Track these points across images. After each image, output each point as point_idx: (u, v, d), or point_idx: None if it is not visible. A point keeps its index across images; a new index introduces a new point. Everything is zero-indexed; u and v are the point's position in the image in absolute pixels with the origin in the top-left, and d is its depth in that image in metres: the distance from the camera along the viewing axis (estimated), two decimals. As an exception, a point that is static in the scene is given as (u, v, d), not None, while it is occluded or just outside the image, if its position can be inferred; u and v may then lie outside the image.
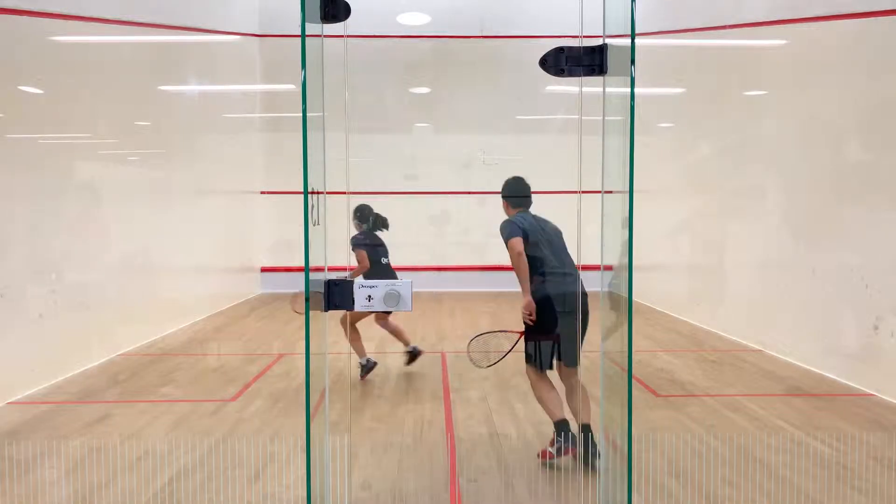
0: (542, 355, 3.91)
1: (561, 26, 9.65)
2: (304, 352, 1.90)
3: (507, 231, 4.07)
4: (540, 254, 4.05)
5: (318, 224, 1.96)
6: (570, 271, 4.04)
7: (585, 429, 3.68)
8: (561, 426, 3.74)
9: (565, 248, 4.17)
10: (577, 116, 2.54)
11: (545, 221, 4.26)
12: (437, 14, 11.20)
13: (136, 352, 6.71)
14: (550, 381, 3.95)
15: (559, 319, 3.95)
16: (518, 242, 4.00)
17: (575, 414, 3.86)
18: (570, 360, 3.90)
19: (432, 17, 11.23)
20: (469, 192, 11.43)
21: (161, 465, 3.73)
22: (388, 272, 5.93)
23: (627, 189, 1.93)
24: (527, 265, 4.01)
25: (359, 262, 5.72)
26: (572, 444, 3.74)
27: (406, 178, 11.18)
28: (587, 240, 2.65)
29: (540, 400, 3.94)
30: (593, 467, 3.53)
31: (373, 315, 5.89)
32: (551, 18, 10.50)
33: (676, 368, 6.03)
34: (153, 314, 7.47)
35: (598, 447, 3.47)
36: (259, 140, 11.41)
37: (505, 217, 4.21)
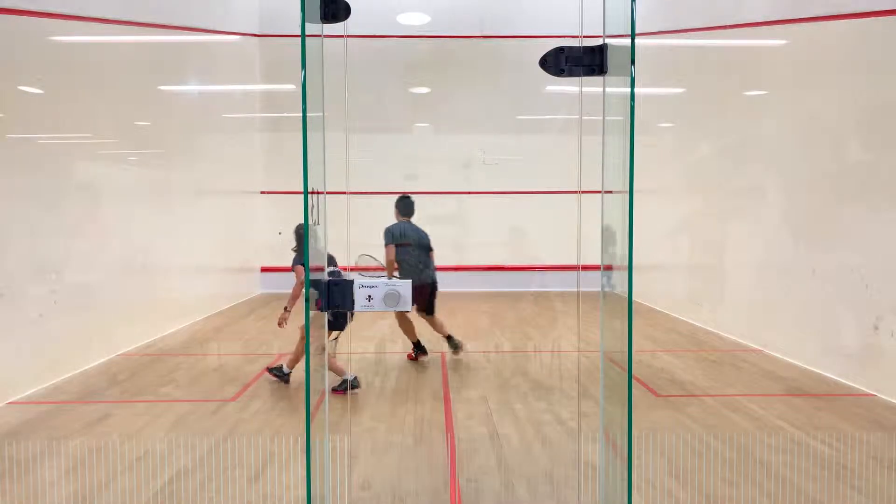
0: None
1: (561, 26, 9.71)
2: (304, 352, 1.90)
3: (385, 238, 6.25)
4: (406, 250, 6.25)
5: (318, 224, 1.96)
6: (425, 264, 6.33)
7: (449, 338, 6.41)
8: (416, 344, 6.35)
9: (426, 249, 6.37)
10: (577, 116, 2.54)
11: (418, 229, 6.37)
12: (437, 14, 11.20)
13: (136, 352, 6.71)
14: (409, 320, 6.33)
15: (419, 290, 6.21)
16: (389, 251, 6.20)
17: (440, 332, 6.42)
18: (427, 312, 6.41)
19: (432, 17, 11.23)
20: (469, 192, 11.45)
21: (161, 465, 3.73)
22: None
23: (627, 189, 1.93)
24: (392, 266, 6.16)
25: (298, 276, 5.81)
26: (423, 352, 6.35)
27: (406, 178, 11.19)
28: (587, 240, 2.65)
29: (402, 330, 6.35)
30: (456, 349, 6.42)
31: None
32: (551, 18, 10.52)
33: (676, 368, 6.04)
34: (153, 314, 7.47)
35: (457, 345, 6.43)
36: (259, 140, 11.42)
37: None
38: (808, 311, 6.08)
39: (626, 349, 1.94)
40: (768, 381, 5.59)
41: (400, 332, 6.41)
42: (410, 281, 2.03)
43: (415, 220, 6.68)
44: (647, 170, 8.72)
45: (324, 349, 2.25)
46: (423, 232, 6.41)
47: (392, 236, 6.23)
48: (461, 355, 6.51)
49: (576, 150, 2.55)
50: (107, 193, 6.46)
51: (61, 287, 5.65)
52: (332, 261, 6.19)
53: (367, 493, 3.39)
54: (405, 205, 6.39)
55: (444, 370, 5.99)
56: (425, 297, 6.34)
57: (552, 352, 6.93)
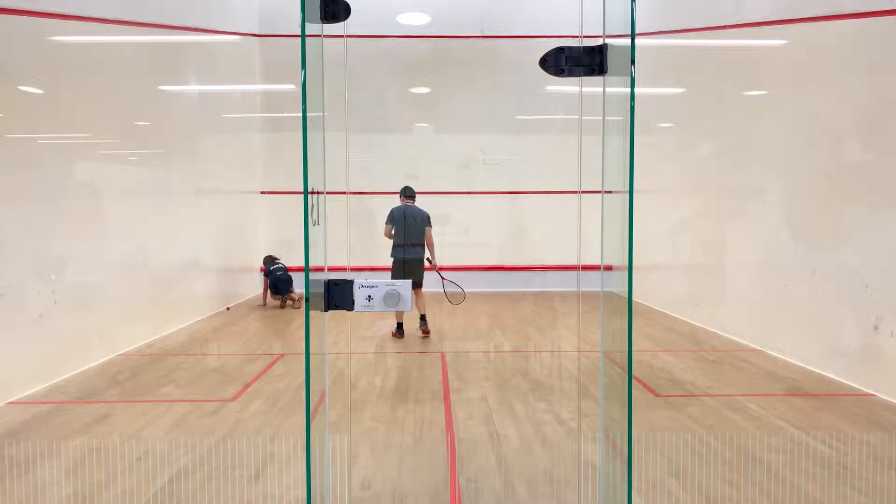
0: None
1: (561, 26, 9.72)
2: (304, 352, 1.89)
3: (387, 217, 7.52)
4: (402, 230, 7.41)
5: (318, 224, 1.96)
6: (418, 242, 7.47)
7: (422, 317, 7.50)
8: (399, 325, 7.53)
9: (421, 228, 7.45)
10: (577, 116, 2.54)
11: (416, 209, 7.53)
12: (437, 14, 11.21)
13: (136, 352, 6.71)
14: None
15: (409, 265, 7.43)
16: (387, 229, 7.49)
17: (420, 309, 7.46)
18: (415, 286, 7.23)
19: (432, 17, 11.24)
20: (469, 192, 11.45)
21: (161, 465, 3.73)
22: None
23: (627, 189, 1.93)
24: (390, 239, 7.51)
25: None
26: (400, 332, 7.45)
27: (406, 178, 11.17)
28: (587, 240, 2.65)
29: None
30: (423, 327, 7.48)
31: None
32: (551, 18, 10.52)
33: (676, 368, 6.04)
34: (153, 314, 7.47)
35: (427, 324, 7.53)
36: (259, 140, 11.42)
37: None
38: (808, 311, 6.08)
39: (626, 349, 1.94)
40: (768, 381, 5.59)
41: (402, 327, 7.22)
42: (410, 281, 2.03)
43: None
44: (647, 170, 8.72)
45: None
46: (419, 211, 7.51)
47: (392, 215, 7.49)
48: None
49: (576, 150, 2.55)
50: (107, 193, 6.46)
51: (61, 287, 5.65)
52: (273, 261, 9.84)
53: (367, 493, 3.39)
54: (406, 191, 7.63)
55: (445, 370, 6.00)
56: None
57: (552, 352, 6.93)
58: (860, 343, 5.39)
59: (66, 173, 5.95)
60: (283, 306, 9.68)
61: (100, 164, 6.54)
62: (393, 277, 6.67)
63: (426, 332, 7.45)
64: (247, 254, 10.97)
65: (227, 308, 9.63)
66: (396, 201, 7.73)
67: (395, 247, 7.45)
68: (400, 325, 7.53)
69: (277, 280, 9.72)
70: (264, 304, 9.95)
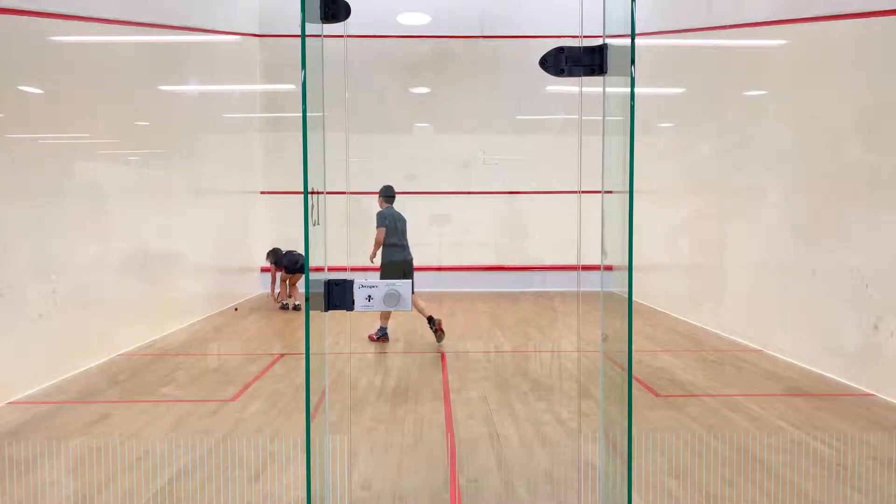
0: None
1: (561, 26, 9.72)
2: (303, 352, 1.89)
3: (377, 222, 7.07)
4: (394, 233, 7.05)
5: (318, 224, 1.96)
6: (405, 244, 7.14)
7: (430, 319, 7.02)
8: (382, 328, 7.19)
9: (405, 231, 7.16)
10: (577, 116, 2.54)
11: (400, 213, 7.15)
12: (437, 14, 11.20)
13: (136, 352, 6.71)
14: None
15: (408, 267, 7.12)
16: (380, 232, 7.04)
17: (421, 312, 7.06)
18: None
19: (432, 17, 11.24)
20: (469, 192, 11.45)
21: (161, 465, 3.73)
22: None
23: (627, 189, 1.93)
24: (380, 244, 7.08)
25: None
26: (383, 336, 7.16)
27: (406, 178, 11.20)
28: (587, 240, 2.65)
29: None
30: (439, 340, 7.03)
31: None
32: (551, 18, 10.52)
33: (676, 368, 6.04)
34: (153, 314, 7.47)
35: (442, 334, 7.01)
36: (259, 140, 11.42)
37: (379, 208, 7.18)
38: (808, 311, 6.08)
39: (627, 349, 1.94)
40: (768, 381, 5.59)
41: (402, 328, 7.08)
42: (410, 281, 2.03)
43: (413, 217, 7.30)
44: (647, 170, 8.72)
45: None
46: (402, 215, 7.25)
47: (384, 217, 7.08)
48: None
49: (576, 150, 2.55)
50: (107, 193, 6.46)
51: (61, 287, 5.65)
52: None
53: (367, 493, 3.39)
54: (388, 193, 7.24)
55: (445, 370, 6.00)
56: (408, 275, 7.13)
57: (552, 352, 6.93)
58: (860, 343, 5.39)
59: (66, 173, 5.95)
60: (284, 307, 9.66)
61: (100, 164, 6.54)
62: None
63: (442, 331, 7.02)
64: (247, 254, 10.97)
65: (236, 308, 9.63)
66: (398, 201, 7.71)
67: (391, 251, 7.05)
68: (383, 329, 7.17)
69: (288, 259, 9.49)
70: (272, 294, 9.92)
